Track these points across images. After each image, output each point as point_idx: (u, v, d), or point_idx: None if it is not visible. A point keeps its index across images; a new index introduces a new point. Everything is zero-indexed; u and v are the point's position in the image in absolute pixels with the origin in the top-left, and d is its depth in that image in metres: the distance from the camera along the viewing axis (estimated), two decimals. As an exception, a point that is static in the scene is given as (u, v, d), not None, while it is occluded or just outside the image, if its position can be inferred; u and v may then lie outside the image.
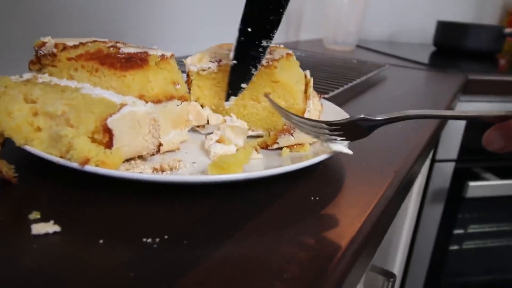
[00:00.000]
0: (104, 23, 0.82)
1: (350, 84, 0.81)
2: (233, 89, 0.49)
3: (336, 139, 0.41)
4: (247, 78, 0.48)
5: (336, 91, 0.75)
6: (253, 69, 0.48)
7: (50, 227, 0.31)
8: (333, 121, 0.41)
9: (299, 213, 0.37)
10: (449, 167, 1.16)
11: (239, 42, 0.47)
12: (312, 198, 0.39)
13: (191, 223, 0.34)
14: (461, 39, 1.43)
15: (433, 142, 0.66)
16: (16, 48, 0.66)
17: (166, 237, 0.32)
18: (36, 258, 0.28)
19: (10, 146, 0.38)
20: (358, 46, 1.51)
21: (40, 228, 0.30)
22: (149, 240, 0.31)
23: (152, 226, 0.33)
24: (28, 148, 0.37)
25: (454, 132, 1.13)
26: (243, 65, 0.48)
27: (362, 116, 0.40)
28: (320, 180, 0.44)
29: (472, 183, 1.15)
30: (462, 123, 1.12)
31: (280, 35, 1.41)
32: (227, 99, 0.49)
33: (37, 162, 0.38)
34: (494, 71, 1.28)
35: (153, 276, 0.27)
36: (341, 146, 0.41)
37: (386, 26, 1.76)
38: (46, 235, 0.30)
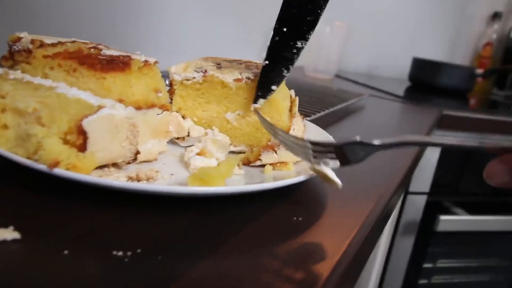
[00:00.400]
0: (85, 24, 0.80)
1: (331, 109, 0.81)
2: (263, 90, 0.46)
3: (328, 163, 0.38)
4: (278, 80, 0.46)
5: (318, 115, 0.74)
6: (285, 71, 0.46)
7: (9, 234, 0.27)
8: (326, 142, 0.38)
9: (281, 233, 0.35)
10: (421, 200, 1.17)
11: (273, 42, 0.45)
12: (295, 218, 0.38)
13: (167, 237, 0.32)
14: (435, 76, 1.48)
15: (414, 169, 0.67)
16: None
17: (138, 250, 0.29)
18: (-10, 267, 0.25)
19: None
20: (337, 76, 1.54)
21: (-4, 234, 0.27)
22: (120, 253, 0.28)
23: (124, 238, 0.30)
24: (-9, 146, 0.33)
25: (427, 165, 1.14)
26: (275, 66, 0.46)
27: (359, 139, 0.36)
28: (303, 200, 0.42)
29: (443, 217, 1.16)
30: (435, 156, 1.14)
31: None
32: (255, 101, 0.46)
33: (0, 162, 0.35)
34: (466, 108, 1.32)
35: (123, 293, 0.25)
36: (333, 174, 0.38)
37: (365, 59, 1.81)
38: (4, 242, 0.27)
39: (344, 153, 0.36)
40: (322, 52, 1.43)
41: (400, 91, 1.41)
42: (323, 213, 0.40)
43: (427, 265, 1.24)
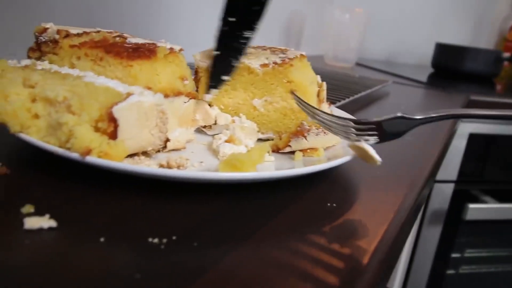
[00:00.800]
0: (106, 15, 0.79)
1: (355, 96, 0.79)
2: (214, 81, 0.46)
3: (368, 139, 0.38)
4: (228, 70, 0.46)
5: (343, 102, 0.73)
6: (235, 61, 0.45)
7: (45, 222, 0.27)
8: (367, 120, 0.38)
9: (316, 219, 0.34)
10: (449, 188, 1.14)
11: (221, 32, 0.45)
12: (329, 204, 0.37)
13: (200, 224, 0.31)
14: (460, 62, 1.43)
15: (443, 156, 0.64)
16: (12, 35, 0.63)
17: (174, 237, 0.28)
18: (28, 255, 0.25)
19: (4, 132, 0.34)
20: (357, 64, 1.51)
21: (33, 223, 0.27)
22: (156, 240, 0.28)
23: (158, 225, 0.30)
24: (23, 136, 0.33)
25: (454, 153, 1.11)
26: (225, 56, 0.45)
27: (399, 114, 0.37)
28: (335, 186, 0.41)
29: (471, 205, 1.13)
30: (463, 143, 1.11)
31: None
32: (207, 92, 0.47)
33: (33, 151, 0.35)
34: (493, 93, 1.28)
35: (161, 280, 0.24)
36: (373, 151, 0.38)
37: (385, 46, 1.77)
38: (40, 230, 0.27)
39: (384, 129, 0.38)
40: (341, 40, 1.40)
41: (424, 78, 1.38)
42: (356, 199, 0.39)
43: (454, 255, 1.21)
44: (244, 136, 0.43)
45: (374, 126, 0.38)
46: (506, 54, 1.41)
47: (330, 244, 0.31)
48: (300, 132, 0.43)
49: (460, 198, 1.15)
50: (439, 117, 0.38)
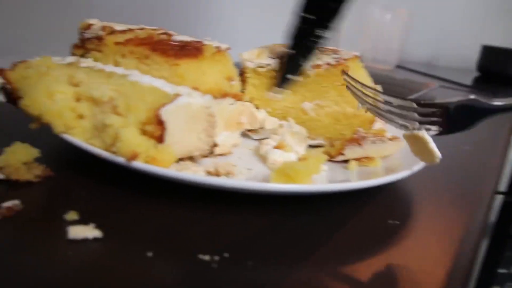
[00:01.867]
0: (148, 15, 0.78)
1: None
2: (281, 80, 0.44)
3: (429, 128, 0.33)
4: (297, 69, 0.44)
5: (391, 106, 0.68)
6: (304, 60, 0.43)
7: (90, 232, 0.25)
8: (435, 102, 0.32)
9: (379, 238, 0.31)
10: (498, 200, 1.07)
11: (297, 30, 0.43)
12: (390, 221, 0.33)
13: (254, 239, 0.28)
14: (508, 65, 1.35)
15: (504, 165, 0.59)
16: (55, 32, 0.62)
17: (226, 255, 0.26)
18: (71, 267, 0.23)
19: (46, 133, 0.33)
20: (398, 66, 1.45)
21: (78, 232, 0.25)
22: (207, 257, 0.25)
23: (209, 240, 0.27)
24: (68, 137, 0.31)
25: (506, 163, 1.04)
26: (295, 55, 0.43)
27: (473, 96, 0.31)
28: (394, 200, 0.38)
29: (522, 219, 1.06)
30: (514, 153, 1.04)
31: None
32: (273, 90, 0.45)
33: (78, 153, 0.33)
34: (546, 99, 1.20)
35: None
36: (434, 145, 0.33)
37: (427, 48, 1.70)
38: (85, 240, 0.25)
39: (452, 115, 0.31)
40: (381, 41, 1.35)
41: (469, 81, 1.31)
42: (419, 215, 0.36)
43: (501, 271, 1.14)
44: (294, 142, 0.40)
45: (439, 111, 0.31)
46: (561, 57, 1.32)
47: (396, 268, 0.27)
48: (355, 140, 0.40)
49: (510, 210, 1.08)
50: None
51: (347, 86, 0.38)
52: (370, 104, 0.35)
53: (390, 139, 0.41)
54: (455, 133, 0.33)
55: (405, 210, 0.36)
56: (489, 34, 1.66)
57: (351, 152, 0.40)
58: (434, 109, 0.32)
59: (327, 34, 0.42)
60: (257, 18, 1.09)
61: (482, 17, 1.67)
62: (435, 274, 0.27)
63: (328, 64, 0.42)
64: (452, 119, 0.32)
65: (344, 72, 0.39)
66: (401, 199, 0.38)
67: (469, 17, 1.66)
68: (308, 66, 0.43)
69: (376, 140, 0.40)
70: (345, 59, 0.42)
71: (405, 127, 0.34)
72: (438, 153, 0.33)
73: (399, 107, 0.33)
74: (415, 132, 0.33)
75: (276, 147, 0.39)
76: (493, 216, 1.07)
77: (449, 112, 0.31)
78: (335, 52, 0.46)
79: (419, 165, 0.37)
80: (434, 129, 0.33)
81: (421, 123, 0.33)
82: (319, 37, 0.42)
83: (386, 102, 0.34)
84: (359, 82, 0.37)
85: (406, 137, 0.34)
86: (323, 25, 0.42)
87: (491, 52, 1.43)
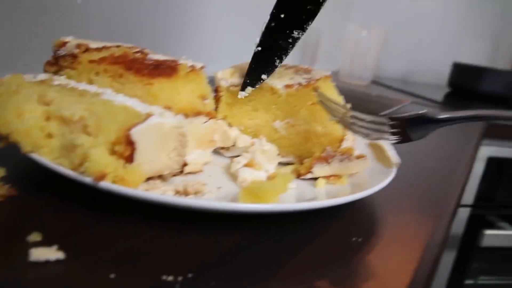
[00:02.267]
0: (127, 29, 0.78)
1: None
2: (252, 79, 0.44)
3: (388, 138, 0.39)
4: (269, 69, 0.43)
5: (362, 123, 0.70)
6: (278, 60, 0.43)
7: (53, 254, 0.25)
8: (394, 115, 0.38)
9: (343, 256, 0.32)
10: (465, 213, 1.10)
11: (268, 28, 0.42)
12: (354, 238, 0.34)
13: (219, 259, 0.29)
14: (477, 82, 1.41)
15: (467, 181, 0.62)
16: (30, 48, 0.61)
17: (190, 275, 0.26)
18: (32, 292, 0.23)
19: (13, 152, 0.32)
20: (373, 82, 1.49)
21: (40, 254, 0.25)
22: (170, 278, 0.26)
23: (173, 260, 0.28)
24: (35, 156, 0.31)
25: (472, 176, 1.08)
26: (268, 54, 0.43)
27: (424, 110, 0.38)
28: (359, 218, 0.39)
29: (488, 232, 1.09)
30: (481, 167, 1.08)
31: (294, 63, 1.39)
32: (242, 89, 0.44)
33: (44, 173, 0.33)
34: None
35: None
36: (393, 152, 0.39)
37: (401, 64, 1.75)
38: (47, 263, 0.25)
39: (409, 127, 0.38)
40: (358, 57, 1.38)
41: (440, 97, 1.35)
42: (383, 232, 0.37)
43: (468, 282, 1.17)
44: (264, 160, 0.41)
45: (398, 123, 0.38)
46: (526, 76, 1.38)
47: (359, 285, 0.28)
48: (323, 158, 0.41)
49: (476, 223, 1.11)
50: (462, 117, 0.39)
51: (320, 101, 0.41)
52: (338, 117, 0.40)
53: (357, 158, 0.42)
54: (412, 141, 0.39)
55: (369, 227, 0.37)
56: (460, 51, 1.73)
57: (319, 170, 0.41)
58: (394, 122, 0.38)
59: (301, 35, 0.42)
60: (234, 35, 1.10)
61: (453, 35, 1.74)
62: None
63: (299, 84, 0.43)
64: (409, 130, 0.38)
65: (316, 90, 0.42)
66: (365, 216, 0.39)
67: (441, 35, 1.72)
68: (280, 85, 0.44)
69: (343, 158, 0.41)
70: (316, 79, 0.44)
71: (367, 136, 0.40)
72: (395, 159, 0.38)
73: (371, 122, 0.39)
74: (375, 141, 0.39)
75: (247, 165, 0.40)
76: (460, 229, 1.10)
77: (406, 123, 0.38)
78: (306, 72, 0.48)
79: (384, 182, 0.39)
80: (393, 138, 0.39)
81: (382, 132, 0.39)
82: (294, 38, 0.42)
83: (356, 117, 0.39)
84: (330, 100, 0.41)
85: (370, 145, 0.40)
86: (299, 26, 0.42)
87: (462, 69, 1.49)
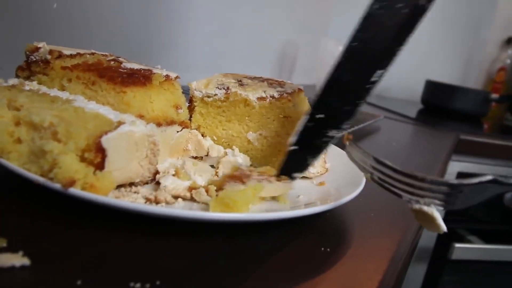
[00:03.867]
0: (97, 37, 0.78)
1: (347, 131, 0.79)
2: (284, 174, 0.42)
3: (430, 204, 0.32)
4: (302, 168, 0.42)
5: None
6: (311, 159, 0.42)
7: (18, 260, 0.25)
8: (443, 180, 0.32)
9: (310, 265, 0.32)
10: (436, 226, 1.13)
11: (306, 128, 0.41)
12: (323, 248, 0.35)
13: (187, 267, 0.29)
14: (449, 100, 1.45)
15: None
16: (2, 52, 0.61)
17: (157, 282, 0.26)
18: (-5, 299, 0.22)
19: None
20: (349, 96, 1.52)
21: (4, 260, 0.25)
22: (138, 285, 0.26)
23: (141, 267, 0.28)
24: (2, 161, 0.31)
25: (442, 191, 1.11)
26: (302, 152, 0.42)
27: (492, 178, 0.30)
28: (328, 229, 0.39)
29: (457, 245, 1.12)
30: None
31: (272, 76, 1.40)
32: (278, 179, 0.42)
33: (12, 178, 0.33)
34: (481, 133, 1.30)
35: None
36: (440, 218, 0.32)
37: (376, 80, 1.79)
38: (12, 269, 0.25)
39: (464, 193, 0.31)
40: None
41: (413, 114, 1.39)
42: (351, 243, 0.38)
43: (439, 295, 1.20)
44: (195, 171, 0.40)
45: (449, 189, 0.31)
46: (495, 95, 1.44)
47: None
48: (237, 177, 0.39)
49: (446, 237, 1.14)
50: None
51: (351, 159, 0.38)
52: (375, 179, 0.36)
53: (278, 180, 0.41)
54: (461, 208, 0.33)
55: (337, 237, 0.38)
56: (433, 69, 1.79)
57: (232, 188, 0.38)
58: (443, 187, 0.32)
59: (339, 134, 0.41)
60: (209, 46, 1.11)
61: (426, 53, 1.79)
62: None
63: (272, 97, 0.44)
64: (462, 197, 0.32)
65: (349, 139, 0.39)
66: (334, 226, 0.40)
67: (414, 52, 1.77)
68: (254, 98, 0.45)
69: (262, 179, 0.40)
70: (288, 93, 0.45)
71: (413, 202, 0.34)
72: (444, 227, 0.33)
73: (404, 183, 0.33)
74: (424, 208, 0.33)
75: (174, 175, 0.39)
76: (431, 242, 1.13)
77: (461, 191, 0.31)
78: (280, 85, 0.49)
79: (353, 194, 0.40)
80: (440, 203, 0.33)
81: (426, 197, 0.32)
82: (329, 136, 0.41)
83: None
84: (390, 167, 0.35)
85: (414, 210, 0.34)
86: (335, 126, 0.41)
87: (434, 87, 1.53)
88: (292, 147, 0.41)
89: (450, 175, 1.11)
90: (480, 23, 1.84)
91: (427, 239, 1.13)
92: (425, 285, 1.16)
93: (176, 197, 0.36)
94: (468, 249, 1.14)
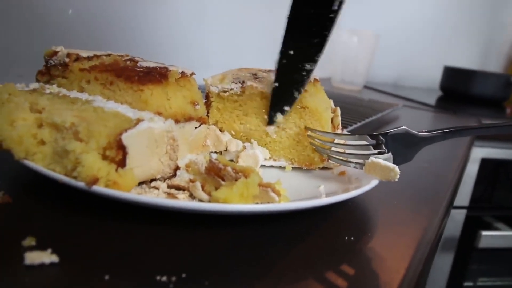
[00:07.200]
0: (118, 38, 0.79)
1: (366, 120, 0.78)
2: (276, 111, 0.45)
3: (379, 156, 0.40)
4: (290, 101, 0.45)
5: (354, 126, 0.71)
6: (297, 93, 0.44)
7: (47, 257, 0.26)
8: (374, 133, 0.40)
9: (335, 254, 0.32)
10: (461, 215, 1.11)
11: (281, 65, 0.43)
12: (347, 237, 0.35)
13: (212, 259, 0.29)
14: (469, 85, 1.42)
15: (459, 182, 0.62)
16: (22, 59, 0.62)
17: (183, 275, 0.26)
18: (27, 295, 0.23)
19: (7, 159, 0.33)
20: (365, 87, 1.50)
21: (34, 258, 0.25)
22: (164, 278, 0.26)
23: (166, 261, 0.28)
24: (28, 163, 0.32)
25: (466, 178, 1.09)
26: (286, 88, 0.44)
27: (404, 127, 0.40)
28: (350, 217, 0.39)
29: (484, 233, 1.09)
30: (475, 168, 1.09)
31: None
32: (270, 123, 0.46)
33: (37, 179, 0.33)
34: (503, 117, 1.26)
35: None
36: (390, 163, 0.38)
37: (393, 69, 1.77)
38: (41, 266, 0.25)
39: (392, 146, 0.40)
40: (349, 63, 1.40)
41: (432, 101, 1.37)
42: (374, 231, 0.37)
43: (467, 284, 1.17)
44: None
45: (381, 140, 0.40)
46: (516, 78, 1.40)
47: (351, 283, 0.29)
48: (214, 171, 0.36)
49: (473, 224, 1.12)
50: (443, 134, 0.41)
51: (310, 142, 0.44)
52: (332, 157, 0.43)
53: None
54: (400, 163, 0.40)
55: (361, 226, 0.38)
56: (451, 55, 1.75)
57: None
58: (374, 139, 0.40)
59: (314, 66, 0.43)
60: (225, 42, 1.11)
61: (444, 39, 1.76)
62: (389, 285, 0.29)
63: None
64: (393, 149, 0.40)
65: (307, 128, 0.45)
66: (357, 215, 0.40)
67: (432, 39, 1.74)
68: (270, 90, 0.45)
69: (238, 177, 0.35)
70: (304, 84, 0.44)
71: (360, 165, 0.41)
72: (393, 167, 0.38)
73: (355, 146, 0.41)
74: (367, 162, 0.39)
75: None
76: (457, 231, 1.11)
77: (387, 140, 0.40)
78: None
79: (375, 181, 0.39)
80: (383, 157, 0.40)
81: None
82: (307, 70, 0.43)
83: (342, 144, 0.42)
84: (319, 131, 0.44)
85: (366, 171, 0.40)
86: (310, 59, 0.43)
87: (453, 73, 1.50)
88: (275, 84, 0.45)
89: (474, 162, 1.08)
90: (498, 5, 1.78)
91: (453, 228, 1.11)
92: (452, 274, 1.14)
93: (178, 189, 0.36)
94: (495, 236, 1.11)
